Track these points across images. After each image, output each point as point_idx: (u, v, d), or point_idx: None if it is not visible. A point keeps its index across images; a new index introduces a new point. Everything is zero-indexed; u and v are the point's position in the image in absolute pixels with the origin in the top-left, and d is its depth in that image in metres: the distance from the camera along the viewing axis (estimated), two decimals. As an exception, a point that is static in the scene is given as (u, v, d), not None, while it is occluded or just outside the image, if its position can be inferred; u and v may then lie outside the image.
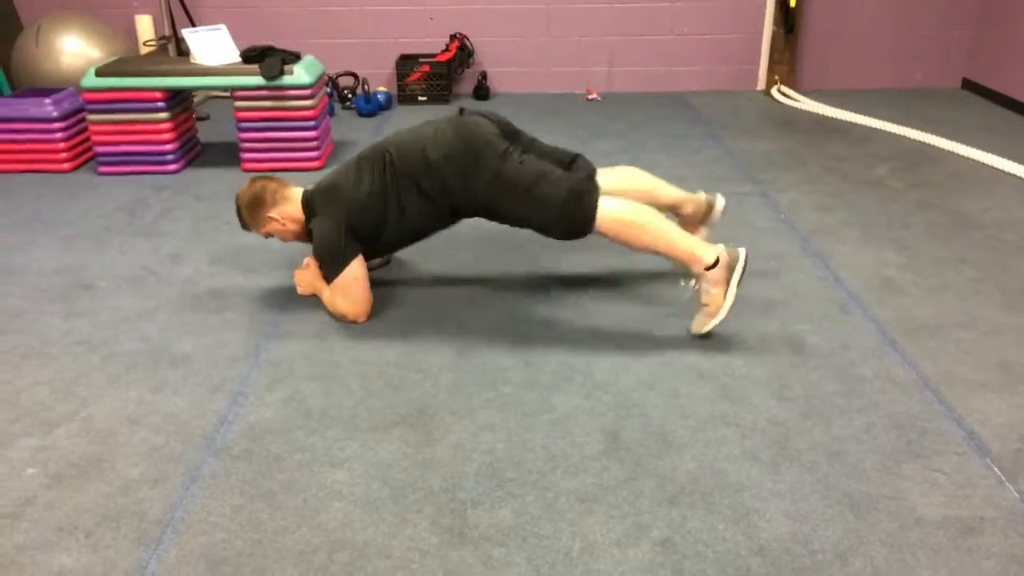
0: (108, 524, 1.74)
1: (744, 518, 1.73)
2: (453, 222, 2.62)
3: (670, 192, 2.80)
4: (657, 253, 2.39)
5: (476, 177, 2.41)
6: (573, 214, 2.36)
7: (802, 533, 1.69)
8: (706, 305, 2.37)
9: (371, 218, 2.51)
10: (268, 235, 2.65)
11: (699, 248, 2.35)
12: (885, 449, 1.94)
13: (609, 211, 2.35)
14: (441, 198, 2.49)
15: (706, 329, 2.39)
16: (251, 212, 2.60)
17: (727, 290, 2.34)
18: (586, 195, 2.36)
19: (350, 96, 5.25)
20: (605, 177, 2.59)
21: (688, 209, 2.80)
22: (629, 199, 2.46)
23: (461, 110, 2.59)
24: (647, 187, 2.74)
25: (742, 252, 2.35)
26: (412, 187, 2.48)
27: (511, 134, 2.56)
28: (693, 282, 2.39)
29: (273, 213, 2.58)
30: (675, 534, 1.69)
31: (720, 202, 2.81)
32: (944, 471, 1.87)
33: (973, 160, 4.00)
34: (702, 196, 2.81)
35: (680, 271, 2.47)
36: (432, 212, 2.53)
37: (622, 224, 2.36)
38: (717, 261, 2.32)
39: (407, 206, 2.51)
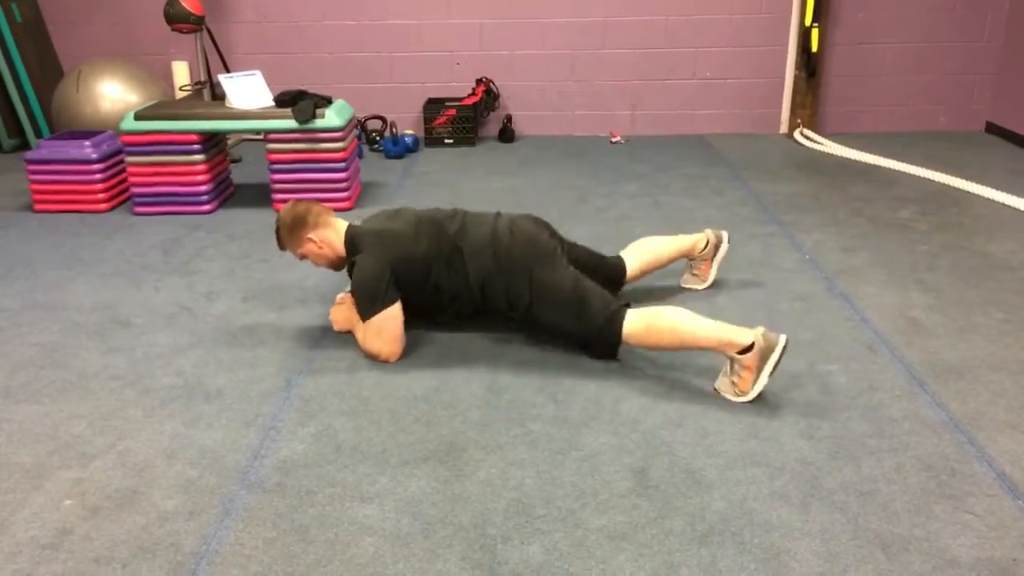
0: (144, 556, 1.77)
1: (775, 558, 1.73)
2: (477, 311, 2.71)
3: (678, 241, 3.00)
4: (692, 348, 2.39)
5: (523, 282, 2.54)
6: (599, 338, 2.49)
7: (833, 574, 1.68)
8: (735, 384, 2.31)
9: (414, 277, 2.59)
10: (303, 256, 2.71)
11: (734, 334, 2.29)
12: (916, 490, 1.93)
13: (632, 328, 2.43)
14: (482, 289, 2.61)
15: (727, 397, 2.33)
16: (292, 231, 2.66)
17: (757, 378, 2.26)
18: (613, 320, 2.45)
19: (378, 139, 5.36)
20: (624, 255, 2.89)
21: (699, 248, 3.00)
22: (651, 267, 2.89)
23: (498, 213, 2.75)
24: (657, 246, 2.97)
25: (781, 339, 2.25)
26: (460, 269, 2.59)
27: (559, 241, 2.71)
28: (727, 363, 2.33)
29: (313, 235, 2.64)
30: (705, 573, 1.69)
31: (726, 237, 3.02)
32: (976, 512, 1.85)
33: (998, 203, 4.00)
34: (710, 233, 3.01)
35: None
36: (461, 298, 2.65)
37: (648, 335, 2.42)
38: (751, 346, 2.25)
39: (445, 283, 2.62)
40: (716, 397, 2.33)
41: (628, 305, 2.49)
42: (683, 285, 3.06)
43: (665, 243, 2.98)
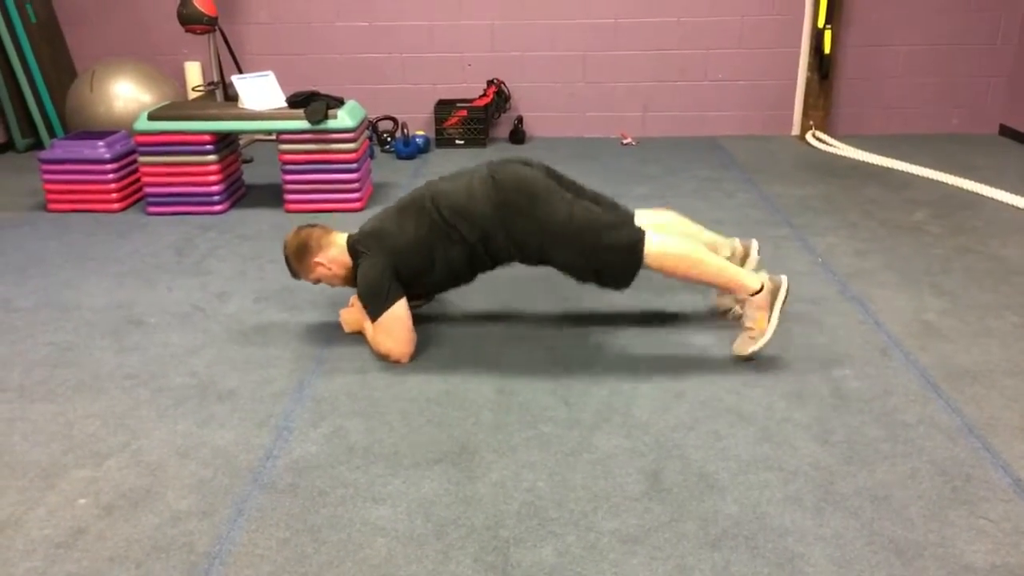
0: (158, 555, 1.78)
1: (788, 563, 1.72)
2: (492, 267, 2.67)
3: (708, 237, 2.83)
4: (706, 283, 2.55)
5: (527, 225, 2.48)
6: (620, 264, 2.47)
7: (847, 578, 1.68)
8: (750, 328, 2.49)
9: (415, 264, 2.57)
10: (317, 281, 2.71)
11: (744, 276, 2.49)
12: (930, 495, 1.92)
13: (657, 248, 2.45)
14: (485, 245, 2.55)
15: (749, 351, 2.48)
16: (298, 260, 2.67)
17: (771, 314, 2.46)
18: (636, 243, 2.44)
19: (389, 140, 5.37)
20: (645, 217, 2.67)
21: (724, 253, 2.82)
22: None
23: (489, 164, 2.65)
24: (685, 231, 2.78)
25: (784, 279, 2.50)
26: (456, 235, 2.54)
27: (556, 179, 2.62)
28: (737, 307, 2.53)
29: (319, 259, 2.65)
30: (718, 577, 1.69)
31: (755, 246, 2.84)
32: (991, 518, 1.84)
33: (1012, 206, 3.98)
34: (737, 242, 2.85)
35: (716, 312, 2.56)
36: (474, 259, 2.60)
37: (671, 258, 2.46)
38: (762, 287, 2.46)
39: (451, 253, 2.57)
40: (730, 396, 2.32)
41: (645, 230, 2.47)
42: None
43: (688, 226, 2.80)
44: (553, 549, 1.77)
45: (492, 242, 2.54)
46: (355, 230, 2.72)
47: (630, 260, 2.46)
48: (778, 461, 2.05)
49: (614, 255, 2.46)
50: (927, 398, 2.33)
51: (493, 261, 2.63)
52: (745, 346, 2.50)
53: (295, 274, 2.71)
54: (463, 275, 2.67)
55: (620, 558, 1.74)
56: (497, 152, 5.34)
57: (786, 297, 2.49)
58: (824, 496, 1.92)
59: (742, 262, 2.83)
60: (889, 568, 1.70)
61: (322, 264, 2.65)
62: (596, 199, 2.64)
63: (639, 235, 2.46)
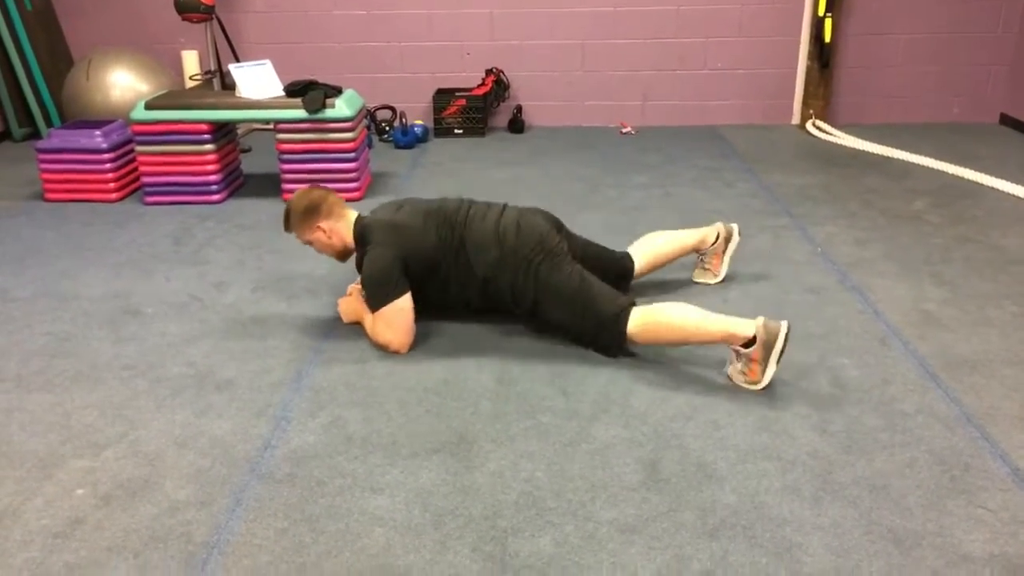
0: (156, 545, 1.77)
1: (787, 552, 1.72)
2: (475, 306, 2.72)
3: (688, 235, 2.97)
4: (697, 343, 2.43)
5: (529, 280, 2.53)
6: (604, 336, 2.50)
7: (846, 568, 1.68)
8: (743, 374, 2.33)
9: (422, 269, 2.59)
10: (307, 242, 2.70)
11: (735, 326, 2.31)
12: (929, 485, 1.92)
13: (638, 322, 2.43)
14: (485, 285, 2.60)
15: (741, 385, 2.35)
16: (303, 217, 2.65)
17: (765, 368, 2.27)
18: (620, 316, 2.44)
19: (388, 129, 5.35)
20: (632, 250, 2.85)
21: (709, 241, 2.97)
22: (659, 262, 2.87)
23: (504, 206, 2.71)
24: (665, 240, 2.93)
25: (783, 327, 2.26)
26: (465, 263, 2.59)
27: (567, 238, 2.69)
28: (733, 357, 2.35)
29: (324, 224, 2.64)
30: (716, 567, 1.69)
31: (736, 231, 2.99)
32: (989, 507, 1.84)
33: (1013, 195, 3.97)
34: (720, 226, 2.98)
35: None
36: (467, 289, 2.64)
37: (652, 329, 2.42)
38: (754, 339, 2.27)
39: (452, 276, 2.61)
40: (728, 385, 2.32)
41: (634, 303, 2.47)
42: (695, 280, 3.04)
43: (674, 238, 2.95)
44: (551, 539, 1.77)
45: (492, 284, 2.59)
46: (365, 213, 2.71)
47: (614, 332, 2.46)
48: (776, 451, 2.05)
49: (599, 326, 2.48)
50: (926, 387, 2.33)
51: (482, 300, 2.67)
52: (738, 380, 2.35)
53: (289, 228, 2.69)
54: (448, 299, 2.71)
55: (618, 548, 1.74)
56: (496, 141, 5.32)
57: (784, 347, 2.25)
58: (822, 486, 1.92)
59: (725, 243, 2.98)
60: (887, 557, 1.70)
61: (323, 230, 2.64)
62: (599, 256, 2.76)
63: (623, 311, 2.45)
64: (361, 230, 2.63)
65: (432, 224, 2.60)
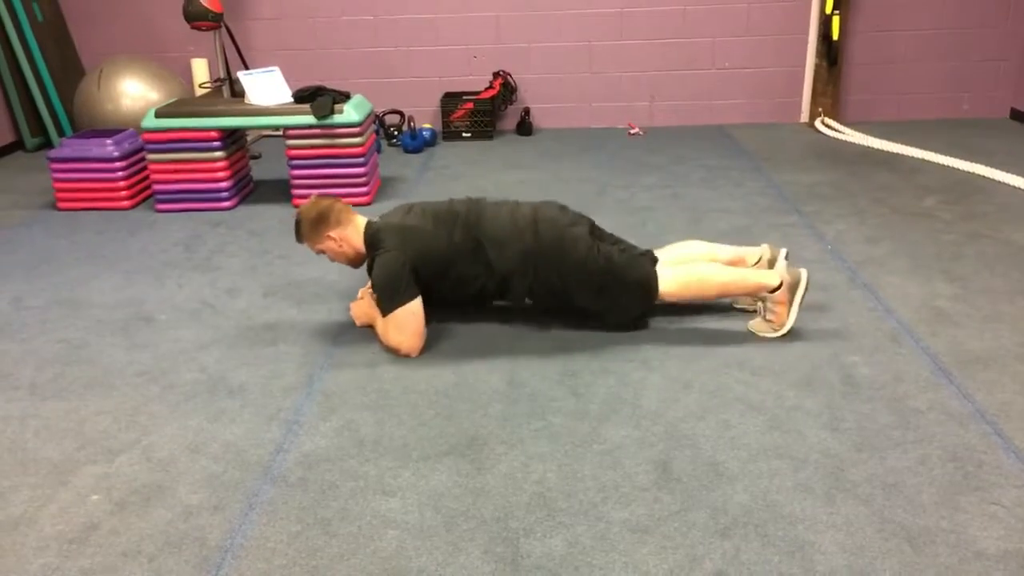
0: (170, 549, 1.79)
1: (799, 550, 1.72)
2: (490, 302, 2.77)
3: (730, 252, 2.82)
4: (727, 295, 2.69)
5: (552, 274, 2.58)
6: (639, 301, 2.63)
7: (859, 566, 1.67)
8: (771, 321, 2.59)
9: (433, 271, 2.60)
10: (320, 252, 2.71)
11: (761, 276, 2.60)
12: (942, 481, 1.91)
13: (668, 281, 2.58)
14: (505, 281, 2.63)
15: (764, 335, 2.58)
16: (313, 227, 2.66)
17: (790, 308, 2.55)
18: (650, 280, 2.58)
19: (396, 133, 5.37)
20: (667, 254, 2.77)
21: (751, 261, 2.78)
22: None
23: (516, 202, 2.72)
24: (707, 254, 2.81)
25: (803, 272, 2.56)
26: (483, 260, 2.60)
27: (586, 225, 2.68)
28: (760, 304, 2.60)
29: (334, 233, 2.65)
30: (729, 566, 1.68)
31: (783, 253, 2.74)
32: (1003, 504, 1.83)
33: (1024, 190, 3.95)
34: (765, 247, 2.80)
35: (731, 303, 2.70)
36: (484, 289, 2.66)
37: (681, 285, 2.60)
38: (780, 284, 2.54)
39: (469, 275, 2.63)
40: (738, 385, 2.32)
41: (656, 259, 2.63)
42: (734, 306, 2.81)
43: (711, 252, 2.77)
44: (563, 540, 1.77)
45: (512, 280, 2.62)
46: (375, 218, 2.73)
47: (645, 298, 2.61)
48: (788, 449, 2.05)
49: (628, 296, 2.60)
50: (938, 384, 2.32)
51: (500, 296, 2.71)
52: (762, 329, 2.60)
53: (301, 238, 2.71)
54: (460, 297, 2.73)
55: (630, 548, 1.74)
56: (504, 144, 5.33)
57: (806, 289, 2.55)
58: (834, 484, 1.92)
59: (769, 266, 2.74)
60: (900, 555, 1.69)
61: (333, 239, 2.66)
62: (616, 242, 2.73)
63: (651, 273, 2.58)
64: (371, 235, 2.65)
65: (443, 226, 2.61)
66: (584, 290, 2.59)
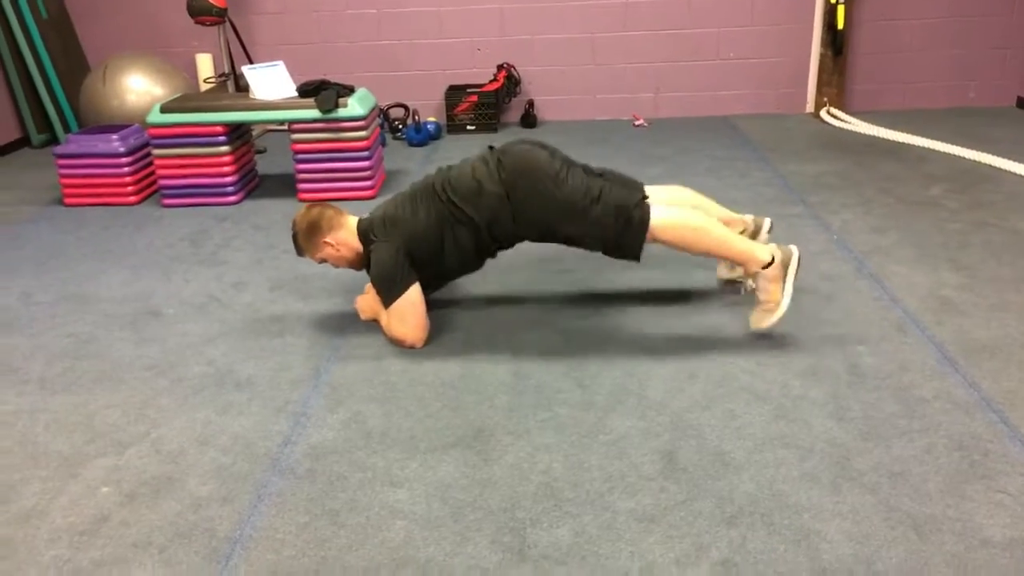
0: (180, 540, 1.80)
1: (805, 539, 1.72)
2: (496, 252, 2.70)
3: (719, 212, 2.82)
4: (714, 255, 2.55)
5: (532, 202, 2.48)
6: (625, 234, 2.46)
7: (865, 554, 1.68)
8: (765, 302, 2.47)
9: (428, 248, 2.59)
10: (322, 260, 2.72)
11: (754, 247, 2.48)
12: (948, 470, 1.92)
13: (662, 220, 2.45)
14: (491, 228, 2.56)
15: (767, 324, 2.47)
16: (307, 237, 2.67)
17: (784, 286, 2.44)
18: (637, 211, 2.44)
19: (401, 127, 5.37)
20: (656, 192, 2.65)
21: (737, 229, 2.81)
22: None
23: (491, 147, 2.65)
24: (698, 204, 2.77)
25: (795, 249, 2.47)
26: (464, 218, 2.55)
27: (558, 156, 2.60)
28: (750, 281, 2.51)
29: (329, 239, 2.66)
30: (735, 555, 1.69)
31: (767, 223, 2.86)
32: (1009, 492, 1.83)
33: (1031, 179, 3.93)
34: (749, 218, 2.87)
35: (729, 290, 2.64)
36: (480, 243, 2.61)
37: (677, 229, 2.47)
38: (772, 260, 2.43)
39: (460, 239, 2.59)
40: (744, 375, 2.32)
41: (647, 196, 2.49)
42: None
43: (700, 202, 2.78)
44: (570, 529, 1.78)
45: (498, 224, 2.55)
46: (365, 215, 2.73)
47: (636, 228, 2.44)
48: (794, 439, 2.05)
49: (617, 223, 2.44)
50: (944, 373, 2.32)
51: (498, 244, 2.65)
52: (762, 319, 2.48)
53: (301, 252, 2.72)
54: (470, 261, 2.69)
55: (636, 537, 1.75)
56: (509, 137, 5.32)
57: (799, 266, 2.46)
58: (840, 472, 1.92)
59: (753, 237, 2.83)
60: (907, 543, 1.70)
61: (330, 244, 2.66)
62: (603, 174, 2.60)
63: (642, 203, 2.45)
64: (363, 232, 2.66)
65: (420, 203, 2.60)
66: (567, 220, 2.47)
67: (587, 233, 2.50)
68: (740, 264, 2.52)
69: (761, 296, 2.47)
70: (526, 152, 2.54)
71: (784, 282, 2.44)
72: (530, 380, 2.38)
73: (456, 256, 2.63)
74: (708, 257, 2.65)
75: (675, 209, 2.50)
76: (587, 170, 2.60)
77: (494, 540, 1.76)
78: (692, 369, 2.39)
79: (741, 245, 2.49)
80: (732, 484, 1.90)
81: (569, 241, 2.56)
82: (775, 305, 2.44)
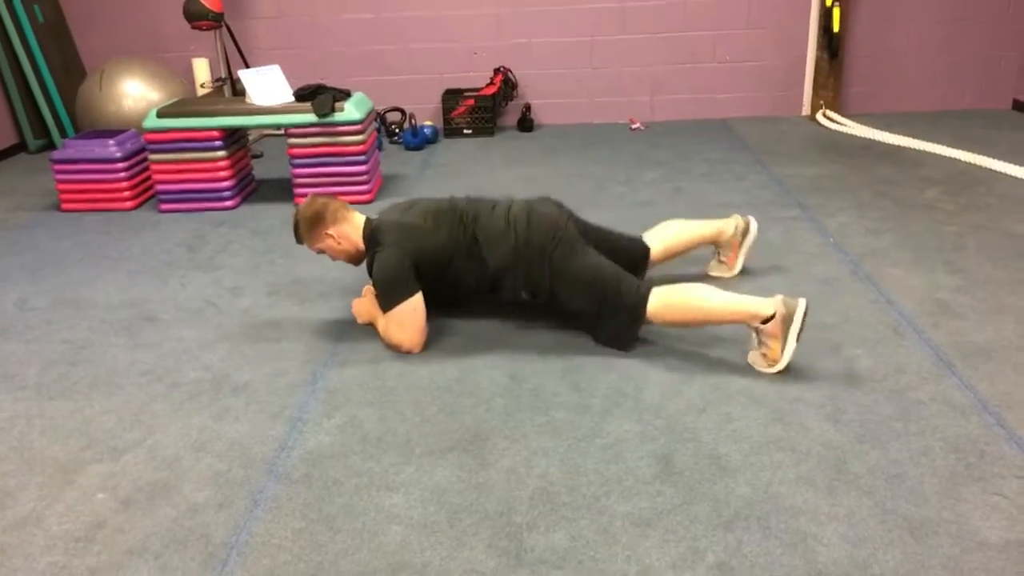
0: (176, 547, 1.80)
1: (801, 542, 1.72)
2: (483, 293, 2.73)
3: (705, 226, 2.97)
4: (715, 323, 2.47)
5: (544, 268, 2.54)
6: (626, 325, 2.51)
7: (861, 557, 1.68)
8: (764, 356, 2.38)
9: (432, 267, 2.60)
10: (320, 251, 2.73)
11: (754, 305, 2.35)
12: (944, 472, 1.92)
13: (657, 303, 2.44)
14: (498, 277, 2.62)
15: (761, 370, 2.38)
16: (310, 226, 2.67)
17: (784, 345, 2.30)
18: (638, 307, 2.45)
19: (398, 131, 5.38)
20: (647, 237, 2.83)
21: (727, 234, 2.97)
22: (675, 251, 2.86)
23: (513, 200, 2.72)
24: (682, 228, 2.92)
25: (801, 303, 2.29)
26: (478, 257, 2.60)
27: (580, 226, 2.68)
28: (754, 336, 2.39)
29: (331, 231, 2.66)
30: (731, 558, 1.69)
31: (754, 224, 2.97)
32: (1005, 494, 1.84)
33: (1027, 181, 3.94)
34: (738, 218, 2.97)
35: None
36: (480, 283, 2.66)
37: (672, 310, 2.44)
38: (773, 315, 2.30)
39: (464, 271, 2.63)
40: (740, 378, 2.32)
41: (651, 287, 2.48)
42: (710, 273, 3.03)
43: (691, 227, 2.94)
44: (566, 533, 1.78)
45: (506, 276, 2.61)
46: (373, 215, 2.73)
47: (634, 314, 2.47)
48: (790, 442, 2.05)
49: (618, 309, 2.48)
50: (940, 376, 2.32)
51: (493, 291, 2.68)
52: (758, 363, 2.39)
53: (300, 240, 2.72)
54: (454, 295, 2.74)
55: (633, 541, 1.75)
56: (506, 140, 5.33)
57: (803, 322, 2.29)
58: (836, 475, 1.92)
59: (742, 236, 2.97)
60: (903, 546, 1.70)
61: (332, 236, 2.67)
62: (615, 242, 2.73)
63: (642, 299, 2.45)
64: (370, 232, 2.66)
65: (443, 223, 2.62)
66: (573, 292, 2.54)
67: (589, 310, 2.55)
68: (744, 324, 2.39)
69: (762, 349, 2.38)
70: (554, 216, 2.60)
71: (785, 339, 2.30)
72: (526, 384, 2.38)
73: (451, 285, 2.68)
74: (711, 325, 2.54)
75: (666, 291, 2.45)
76: (603, 239, 2.69)
77: (490, 544, 1.76)
78: (688, 373, 2.39)
79: (738, 305, 2.37)
80: (728, 487, 1.90)
81: (569, 312, 2.63)
82: (773, 361, 2.34)
